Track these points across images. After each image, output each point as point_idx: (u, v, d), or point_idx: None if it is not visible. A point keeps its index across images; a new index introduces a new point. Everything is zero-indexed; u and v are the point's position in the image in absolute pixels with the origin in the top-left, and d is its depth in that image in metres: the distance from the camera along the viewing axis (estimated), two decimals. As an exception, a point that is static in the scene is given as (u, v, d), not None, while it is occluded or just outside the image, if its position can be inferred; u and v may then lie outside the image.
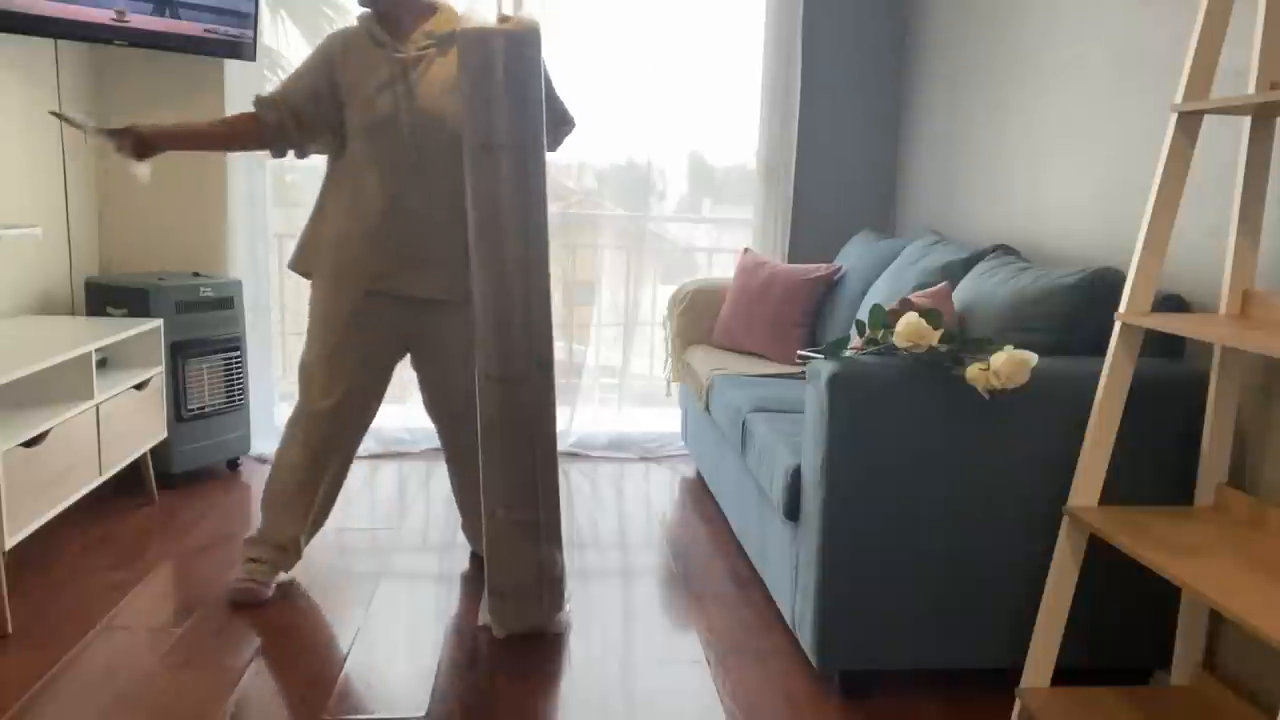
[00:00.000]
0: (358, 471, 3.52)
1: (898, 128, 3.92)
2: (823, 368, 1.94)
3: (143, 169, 2.39)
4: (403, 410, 3.71)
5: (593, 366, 3.98)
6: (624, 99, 3.77)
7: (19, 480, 2.27)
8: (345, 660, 2.16)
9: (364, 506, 3.17)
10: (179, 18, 3.21)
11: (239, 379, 3.41)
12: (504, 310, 2.17)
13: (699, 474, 3.66)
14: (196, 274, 3.42)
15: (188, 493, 3.23)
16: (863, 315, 2.97)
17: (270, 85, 3.47)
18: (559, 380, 3.84)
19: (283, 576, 2.54)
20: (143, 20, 3.14)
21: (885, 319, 2.04)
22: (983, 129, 3.18)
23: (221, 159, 3.54)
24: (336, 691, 2.03)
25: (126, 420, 2.86)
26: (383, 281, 2.36)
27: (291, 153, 2.44)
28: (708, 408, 3.06)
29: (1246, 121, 1.81)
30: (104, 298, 3.21)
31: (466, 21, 2.10)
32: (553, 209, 3.83)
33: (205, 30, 3.27)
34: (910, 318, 1.93)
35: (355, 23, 2.39)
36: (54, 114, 2.37)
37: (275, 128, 2.36)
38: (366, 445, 3.71)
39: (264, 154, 2.60)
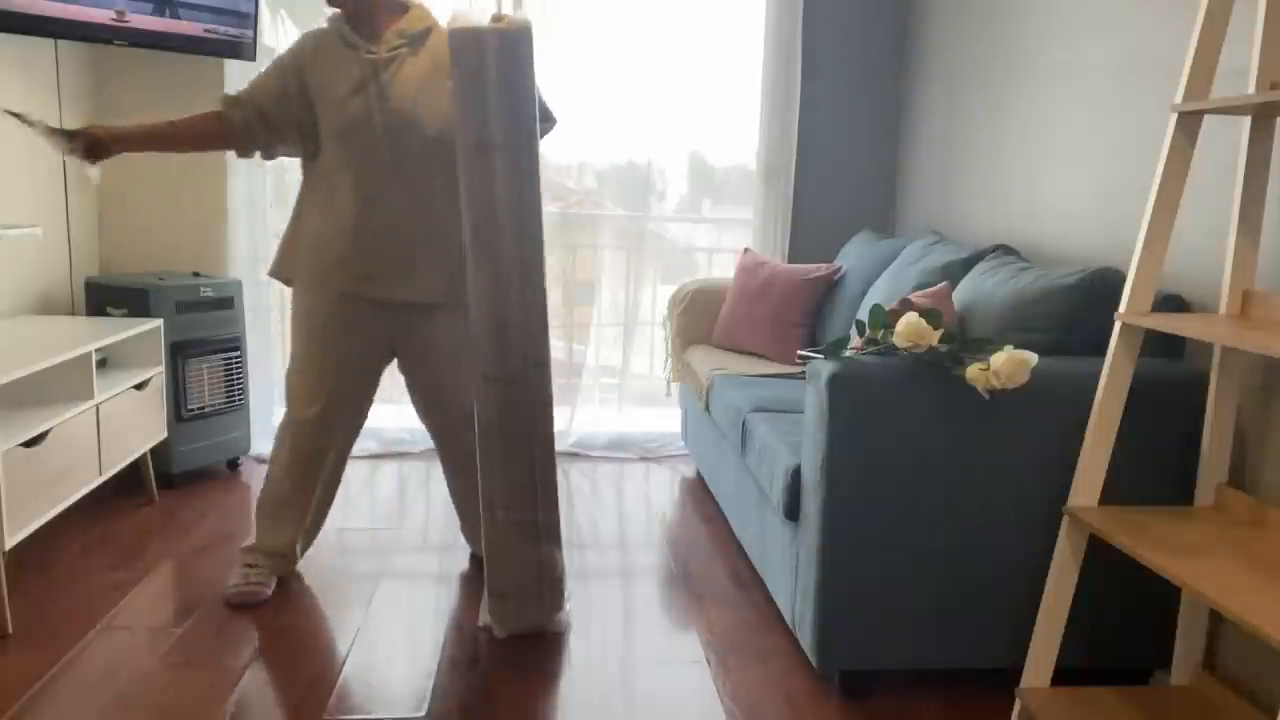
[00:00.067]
0: (358, 471, 3.52)
1: (898, 128, 3.92)
2: (823, 368, 1.94)
3: (94, 171, 2.35)
4: (403, 410, 3.69)
5: (593, 366, 3.98)
6: (624, 99, 3.77)
7: (19, 480, 2.27)
8: (345, 660, 2.16)
9: (364, 506, 3.17)
10: (179, 18, 3.21)
11: (239, 379, 3.41)
12: (500, 310, 2.16)
13: (699, 474, 3.66)
14: (196, 274, 3.42)
15: (188, 493, 3.23)
16: (863, 315, 2.97)
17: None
18: (559, 380, 3.86)
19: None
20: (143, 20, 3.14)
21: (885, 319, 2.04)
22: (983, 129, 3.18)
23: (221, 159, 3.54)
24: (336, 691, 2.03)
25: (126, 420, 2.86)
26: (361, 285, 2.33)
27: (258, 154, 2.40)
28: (708, 408, 3.06)
29: (1246, 121, 1.81)
30: (104, 298, 3.21)
31: (458, 21, 2.09)
32: (553, 209, 3.83)
33: (205, 30, 3.27)
34: (910, 318, 1.93)
35: (325, 23, 2.36)
36: (5, 111, 2.33)
37: (241, 127, 2.33)
38: (366, 445, 3.72)
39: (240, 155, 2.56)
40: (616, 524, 3.10)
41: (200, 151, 2.40)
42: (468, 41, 2.09)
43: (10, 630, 2.22)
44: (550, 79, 3.62)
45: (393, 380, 2.55)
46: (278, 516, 2.47)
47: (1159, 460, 1.99)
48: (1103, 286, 2.12)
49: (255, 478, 3.42)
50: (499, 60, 2.09)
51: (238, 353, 3.39)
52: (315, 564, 2.67)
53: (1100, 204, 2.49)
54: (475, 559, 2.74)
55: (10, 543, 2.22)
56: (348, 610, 2.41)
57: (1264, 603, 1.43)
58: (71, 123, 3.26)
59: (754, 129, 3.84)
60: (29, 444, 2.32)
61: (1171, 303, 2.08)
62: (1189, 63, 1.76)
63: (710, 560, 2.82)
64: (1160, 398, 1.97)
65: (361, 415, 2.50)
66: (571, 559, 2.79)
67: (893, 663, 2.03)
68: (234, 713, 1.93)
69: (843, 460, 1.92)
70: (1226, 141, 2.01)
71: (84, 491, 2.60)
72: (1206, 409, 1.88)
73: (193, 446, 3.28)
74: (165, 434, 3.15)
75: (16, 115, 2.29)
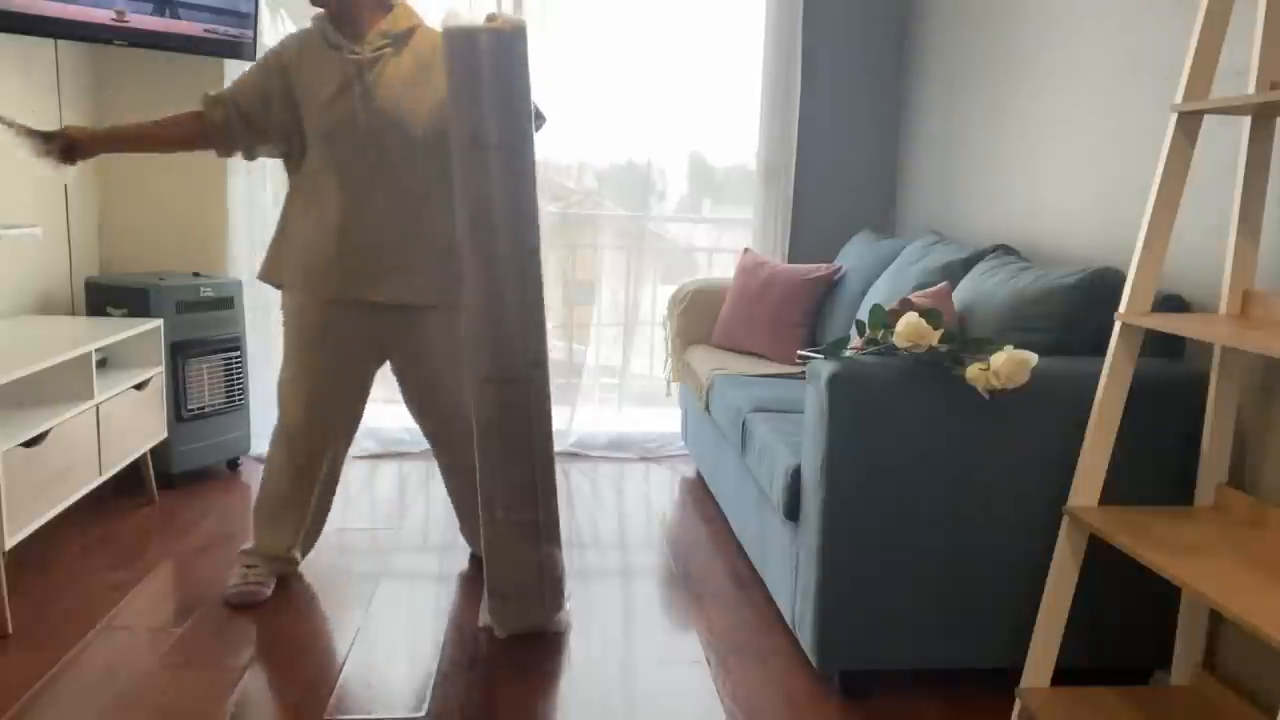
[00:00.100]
0: (358, 471, 3.52)
1: (897, 128, 3.92)
2: (823, 368, 1.94)
3: (68, 173, 2.35)
4: (402, 410, 3.69)
5: (593, 366, 3.98)
6: (624, 99, 3.77)
7: (19, 480, 2.27)
8: (345, 660, 2.16)
9: (364, 506, 3.17)
10: (179, 18, 3.21)
11: (239, 379, 3.41)
12: (497, 310, 2.16)
13: (699, 474, 3.66)
14: (196, 274, 3.42)
15: (188, 493, 3.23)
16: (863, 315, 2.97)
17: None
18: (559, 380, 3.86)
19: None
20: (142, 20, 3.14)
21: (885, 319, 2.04)
22: (982, 129, 3.18)
23: (221, 159, 3.53)
24: (336, 692, 2.03)
25: (126, 420, 2.86)
26: (349, 287, 2.32)
27: (239, 154, 2.39)
28: (708, 408, 3.06)
29: (1246, 121, 1.81)
30: (104, 298, 3.21)
31: (453, 20, 2.09)
32: (553, 209, 3.83)
33: (205, 30, 3.27)
34: (910, 318, 1.93)
35: (309, 24, 2.35)
36: None
37: (221, 126, 2.32)
38: (366, 445, 3.72)
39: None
40: (616, 524, 3.10)
41: (181, 151, 2.38)
42: (462, 41, 2.08)
43: (10, 630, 2.22)
44: (550, 79, 3.62)
45: (393, 380, 2.55)
46: (275, 521, 2.47)
47: (1159, 460, 1.99)
48: (1103, 286, 2.12)
49: (255, 478, 3.42)
50: (494, 60, 2.09)
51: (238, 353, 3.39)
52: (315, 564, 2.67)
53: (1100, 204, 2.49)
54: (475, 559, 2.74)
55: (10, 543, 2.22)
56: (348, 610, 2.41)
57: (1264, 603, 1.43)
58: (72, 122, 3.25)
59: (754, 129, 3.84)
60: (29, 444, 2.32)
61: (1171, 303, 2.08)
62: (1189, 63, 1.76)
63: (710, 560, 2.82)
64: (1160, 398, 1.97)
65: (355, 418, 2.49)
66: (571, 559, 2.79)
67: (893, 663, 2.02)
68: (234, 713, 1.93)
69: (843, 460, 1.92)
70: (1226, 141, 2.01)
71: (84, 491, 2.60)
72: (1206, 409, 1.88)
73: (193, 446, 3.28)
74: (165, 434, 3.15)
75: None
